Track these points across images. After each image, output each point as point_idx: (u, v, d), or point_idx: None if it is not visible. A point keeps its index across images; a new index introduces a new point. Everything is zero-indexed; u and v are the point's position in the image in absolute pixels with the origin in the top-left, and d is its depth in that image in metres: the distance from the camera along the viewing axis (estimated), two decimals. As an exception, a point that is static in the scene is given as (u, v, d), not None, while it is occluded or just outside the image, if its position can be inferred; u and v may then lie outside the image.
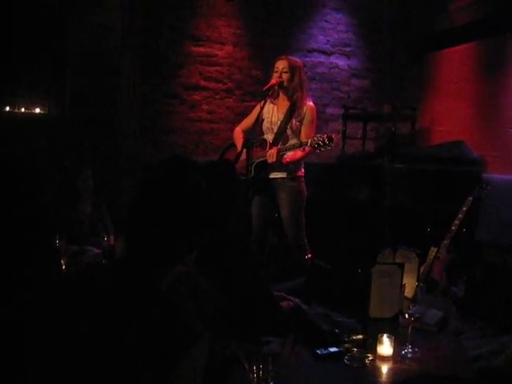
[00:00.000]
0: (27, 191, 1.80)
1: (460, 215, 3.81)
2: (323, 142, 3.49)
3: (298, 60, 3.91)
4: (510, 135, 4.92)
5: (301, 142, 3.69)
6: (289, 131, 3.83)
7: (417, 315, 2.15)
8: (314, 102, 3.91)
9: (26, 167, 1.91)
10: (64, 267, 2.76)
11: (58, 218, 3.58)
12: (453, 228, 3.78)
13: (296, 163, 3.82)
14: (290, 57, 3.90)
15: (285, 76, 3.76)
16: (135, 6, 5.37)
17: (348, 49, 6.49)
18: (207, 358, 1.43)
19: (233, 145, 4.08)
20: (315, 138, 3.53)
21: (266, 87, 3.78)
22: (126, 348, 1.24)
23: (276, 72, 3.79)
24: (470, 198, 3.88)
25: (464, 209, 3.83)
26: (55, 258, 2.12)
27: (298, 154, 3.74)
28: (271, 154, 3.69)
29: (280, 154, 3.70)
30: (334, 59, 6.44)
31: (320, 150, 3.54)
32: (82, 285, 1.36)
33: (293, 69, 3.77)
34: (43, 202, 1.78)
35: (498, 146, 5.04)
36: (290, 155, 3.75)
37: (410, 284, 2.57)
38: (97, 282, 1.36)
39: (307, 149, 3.63)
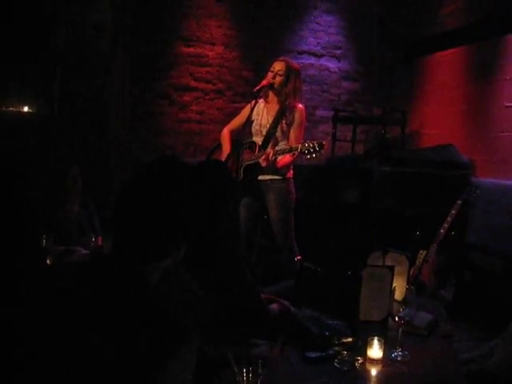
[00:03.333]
0: (14, 190, 1.78)
1: (449, 218, 3.82)
2: (313, 148, 3.46)
3: (296, 65, 3.84)
4: (498, 139, 4.95)
5: (291, 147, 3.63)
6: (278, 134, 3.80)
7: (407, 318, 2.14)
8: (303, 105, 3.88)
9: (14, 166, 1.88)
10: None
11: (45, 217, 3.55)
12: (442, 231, 3.79)
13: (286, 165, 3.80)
14: (289, 60, 3.85)
15: (279, 79, 3.71)
16: (126, 7, 5.34)
17: (338, 51, 6.50)
18: (196, 359, 1.41)
19: (220, 146, 4.05)
20: (306, 145, 3.48)
21: (257, 88, 3.74)
22: (114, 347, 1.22)
23: (271, 72, 3.73)
24: (459, 202, 3.90)
25: (453, 212, 3.84)
26: (41, 257, 2.09)
27: (288, 158, 3.70)
28: (266, 157, 3.63)
29: (273, 158, 3.67)
30: (324, 61, 6.45)
31: (310, 156, 3.49)
32: (70, 282, 1.34)
33: (289, 73, 3.71)
34: (30, 200, 1.75)
35: (487, 150, 5.06)
36: (281, 159, 3.72)
37: (399, 287, 2.56)
38: (84, 279, 1.34)
39: (296, 153, 3.60)
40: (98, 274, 1.35)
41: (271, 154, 3.62)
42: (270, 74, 3.74)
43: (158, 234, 1.36)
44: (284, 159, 3.72)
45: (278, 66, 3.73)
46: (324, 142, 3.49)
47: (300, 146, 3.51)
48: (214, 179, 2.28)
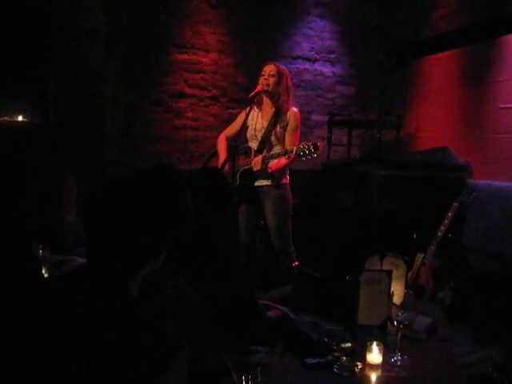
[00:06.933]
0: (8, 199, 1.76)
1: (446, 221, 3.82)
2: (308, 149, 3.47)
3: (285, 68, 3.91)
4: (493, 141, 4.95)
5: (285, 149, 3.66)
6: (273, 138, 3.81)
7: (405, 322, 2.13)
8: (298, 109, 3.90)
9: (8, 175, 1.87)
10: (47, 277, 2.72)
11: (41, 226, 3.54)
12: (439, 234, 3.79)
13: (281, 170, 3.80)
14: (278, 64, 3.91)
15: (272, 80, 3.75)
16: (119, 14, 5.34)
17: (332, 56, 6.51)
18: (187, 370, 1.37)
19: (217, 152, 4.06)
20: (300, 146, 3.51)
21: (252, 94, 3.77)
22: (97, 365, 1.19)
23: (263, 75, 3.77)
24: (456, 204, 3.89)
25: (450, 214, 3.84)
26: (35, 267, 2.07)
27: (283, 161, 3.71)
28: (256, 162, 3.66)
29: (265, 162, 3.68)
30: (318, 66, 6.45)
31: (305, 157, 3.51)
32: (47, 298, 1.31)
33: (280, 74, 3.77)
34: (23, 210, 1.74)
35: (483, 152, 5.07)
36: (275, 163, 3.73)
37: (398, 291, 2.56)
38: (63, 292, 1.31)
39: (292, 156, 3.61)
40: (76, 286, 1.32)
41: (261, 158, 3.65)
42: (262, 78, 3.78)
43: (131, 243, 1.33)
44: (278, 163, 3.73)
45: (269, 68, 3.79)
46: (319, 144, 3.51)
47: (295, 148, 3.53)
48: (210, 186, 2.27)
